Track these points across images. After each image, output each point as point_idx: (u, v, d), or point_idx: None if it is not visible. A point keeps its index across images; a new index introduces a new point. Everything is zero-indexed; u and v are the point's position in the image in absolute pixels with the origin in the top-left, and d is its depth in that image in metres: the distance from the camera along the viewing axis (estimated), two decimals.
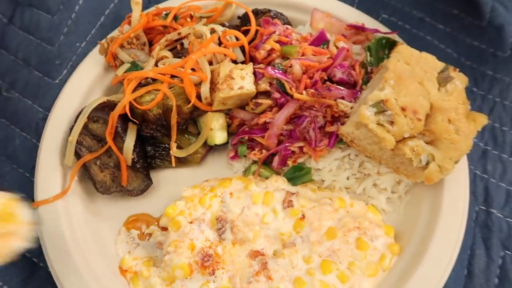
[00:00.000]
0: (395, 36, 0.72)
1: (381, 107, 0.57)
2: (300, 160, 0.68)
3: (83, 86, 0.73)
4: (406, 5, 0.79)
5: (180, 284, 0.62)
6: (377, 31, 0.71)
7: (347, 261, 0.62)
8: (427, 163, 0.57)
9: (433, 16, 0.78)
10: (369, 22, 0.74)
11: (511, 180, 0.69)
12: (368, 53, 0.67)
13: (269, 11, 0.75)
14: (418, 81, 0.58)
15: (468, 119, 0.58)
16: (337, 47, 0.68)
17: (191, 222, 0.65)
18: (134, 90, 0.68)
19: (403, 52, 0.60)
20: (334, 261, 0.62)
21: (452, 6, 0.79)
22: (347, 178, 0.67)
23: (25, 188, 0.70)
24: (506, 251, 0.65)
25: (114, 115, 0.66)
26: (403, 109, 0.56)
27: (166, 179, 0.72)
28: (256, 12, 0.76)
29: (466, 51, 0.76)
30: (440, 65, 0.60)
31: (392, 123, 0.57)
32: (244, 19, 0.76)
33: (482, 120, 0.59)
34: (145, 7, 0.82)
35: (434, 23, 0.78)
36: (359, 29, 0.71)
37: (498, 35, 0.78)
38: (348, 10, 0.77)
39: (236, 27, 0.76)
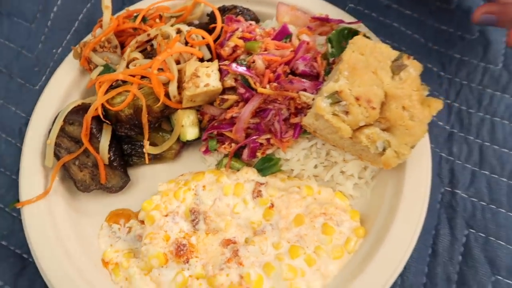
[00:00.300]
0: (360, 25, 0.73)
1: (336, 98, 0.59)
2: (268, 152, 0.70)
3: (60, 91, 0.76)
4: None
5: (157, 273, 0.66)
6: (341, 21, 0.72)
7: (313, 246, 0.64)
8: (384, 149, 0.59)
9: (400, 3, 0.79)
10: (335, 13, 0.75)
11: (477, 161, 0.70)
12: (330, 45, 0.68)
13: (235, 7, 0.77)
14: (372, 71, 0.59)
15: (423, 105, 0.59)
16: (300, 39, 0.70)
17: (166, 215, 0.69)
18: (107, 92, 0.71)
19: (358, 43, 0.61)
20: (302, 246, 0.64)
21: None
22: (315, 167, 0.70)
23: (12, 189, 0.74)
24: (470, 230, 0.66)
25: (88, 117, 0.69)
26: (357, 99, 0.58)
27: (144, 175, 0.76)
28: (223, 9, 0.78)
29: (434, 35, 0.77)
30: (394, 54, 0.61)
31: (347, 113, 0.58)
32: (212, 17, 0.78)
33: (437, 105, 0.60)
34: (119, 9, 0.84)
35: (401, 9, 0.78)
36: (323, 20, 0.72)
37: (466, 17, 0.78)
38: (314, 1, 0.77)
39: (206, 25, 0.78)
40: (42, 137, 0.73)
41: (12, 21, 0.88)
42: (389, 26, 0.77)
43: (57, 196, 0.71)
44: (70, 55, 0.78)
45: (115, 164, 0.71)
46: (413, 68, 0.60)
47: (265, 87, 0.67)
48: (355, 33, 0.69)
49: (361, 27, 0.73)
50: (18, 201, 0.69)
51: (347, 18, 0.75)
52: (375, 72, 0.59)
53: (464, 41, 0.76)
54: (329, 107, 0.59)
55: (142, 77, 0.70)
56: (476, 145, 0.71)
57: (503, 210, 0.67)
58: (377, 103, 0.58)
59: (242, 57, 0.70)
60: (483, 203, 0.67)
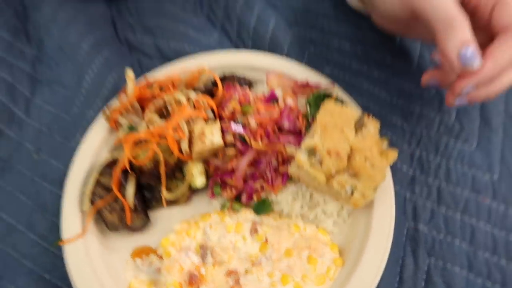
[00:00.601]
0: (334, 87, 0.89)
1: (312, 152, 0.74)
2: (263, 195, 0.85)
3: (93, 147, 0.93)
4: (346, 59, 0.95)
5: None
6: (318, 86, 0.88)
7: (301, 274, 0.77)
8: (352, 192, 0.73)
9: (369, 67, 0.94)
10: (314, 76, 0.91)
11: (435, 200, 0.83)
12: (309, 107, 0.84)
13: (233, 76, 0.94)
14: (339, 130, 0.74)
15: (382, 156, 0.74)
16: (285, 102, 0.86)
17: (180, 251, 0.83)
18: (132, 147, 0.88)
19: (328, 106, 0.77)
20: (291, 274, 0.78)
21: (386, 56, 0.96)
22: (301, 207, 0.84)
23: (54, 231, 0.89)
24: (431, 259, 0.79)
25: (117, 170, 0.86)
26: (328, 152, 0.73)
27: (161, 217, 0.90)
28: (223, 77, 0.95)
29: (397, 93, 0.92)
30: (356, 115, 0.76)
31: (321, 163, 0.73)
32: (214, 83, 0.95)
33: (393, 155, 0.74)
34: (136, 71, 1.00)
35: (370, 73, 0.94)
36: (304, 85, 0.89)
37: None
38: (297, 67, 0.93)
39: (211, 89, 0.95)
40: (79, 186, 0.89)
41: (52, 89, 1.05)
42: (359, 86, 0.93)
43: (92, 235, 0.86)
44: (100, 116, 0.96)
45: (138, 208, 0.87)
46: (372, 126, 0.75)
47: (258, 143, 0.82)
48: (328, 95, 0.85)
49: (335, 87, 0.89)
50: (60, 240, 0.85)
51: (324, 80, 0.91)
52: (342, 130, 0.74)
53: (423, 97, 0.91)
54: (307, 159, 0.74)
55: (160, 135, 0.87)
56: (434, 186, 0.84)
57: (457, 240, 0.80)
58: (345, 155, 0.73)
59: (238, 117, 0.86)
60: (441, 235, 0.80)
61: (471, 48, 0.63)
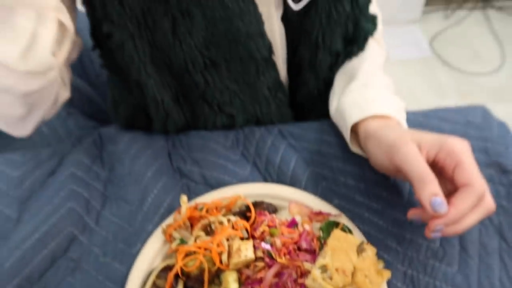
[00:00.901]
0: (341, 216, 1.15)
1: (323, 269, 0.96)
2: None
3: (150, 254, 1.17)
4: (351, 193, 1.23)
5: None
6: (329, 214, 1.15)
7: None
8: None
9: (369, 200, 1.21)
10: (326, 207, 1.18)
11: None
12: (321, 232, 1.09)
13: (262, 202, 1.22)
14: (345, 252, 0.98)
15: (378, 274, 0.96)
16: (303, 227, 1.12)
17: None
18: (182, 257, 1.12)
19: (337, 234, 1.02)
20: None
21: (383, 191, 1.23)
22: None
23: None
24: None
25: (171, 275, 1.08)
26: (336, 270, 0.96)
27: None
28: (255, 204, 1.23)
29: (392, 222, 1.16)
30: (358, 241, 1.01)
31: (331, 278, 0.96)
32: (248, 207, 1.23)
33: (387, 274, 0.96)
34: (187, 196, 1.29)
35: (370, 205, 1.20)
36: (318, 214, 1.15)
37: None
38: (313, 198, 1.20)
39: (245, 212, 1.23)
40: (138, 287, 1.11)
41: (119, 205, 1.33)
42: (361, 215, 1.18)
43: None
44: (158, 230, 1.22)
45: None
46: (370, 250, 0.99)
47: (281, 258, 1.06)
48: (337, 223, 1.11)
49: (342, 217, 1.15)
50: None
51: (333, 210, 1.17)
52: (347, 253, 0.98)
53: (413, 226, 1.16)
54: (320, 275, 0.96)
55: (206, 248, 1.12)
56: None
57: None
58: (349, 273, 0.96)
59: (267, 238, 1.11)
60: None
61: (439, 199, 0.88)
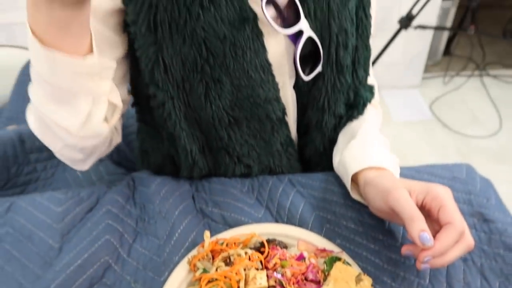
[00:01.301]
0: (342, 253, 1.33)
1: None
2: None
3: (176, 282, 1.35)
4: (351, 234, 1.41)
5: None
6: (332, 251, 1.33)
7: None
8: None
9: (367, 241, 1.39)
10: (329, 245, 1.36)
11: None
12: (325, 265, 1.27)
13: (274, 240, 1.40)
14: (345, 282, 1.16)
15: None
16: (310, 261, 1.30)
17: None
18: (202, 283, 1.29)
19: (338, 266, 1.19)
20: None
21: (379, 233, 1.42)
22: None
23: None
24: None
25: None
26: None
27: None
28: (268, 240, 1.42)
29: (387, 261, 1.33)
30: (356, 272, 1.18)
31: None
32: (262, 243, 1.41)
33: None
34: (211, 234, 1.48)
35: (368, 245, 1.38)
36: (322, 250, 1.34)
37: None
38: (318, 238, 1.38)
39: (259, 248, 1.41)
40: None
41: (149, 239, 1.51)
42: (360, 254, 1.34)
43: None
44: (183, 261, 1.40)
45: None
46: (367, 280, 1.16)
47: (291, 287, 1.23)
48: (339, 258, 1.29)
49: (344, 254, 1.33)
50: None
51: (336, 248, 1.35)
52: (347, 282, 1.15)
53: (405, 265, 1.32)
54: None
55: (225, 277, 1.29)
56: None
57: None
58: None
59: (278, 269, 1.29)
60: None
61: (426, 234, 1.06)
